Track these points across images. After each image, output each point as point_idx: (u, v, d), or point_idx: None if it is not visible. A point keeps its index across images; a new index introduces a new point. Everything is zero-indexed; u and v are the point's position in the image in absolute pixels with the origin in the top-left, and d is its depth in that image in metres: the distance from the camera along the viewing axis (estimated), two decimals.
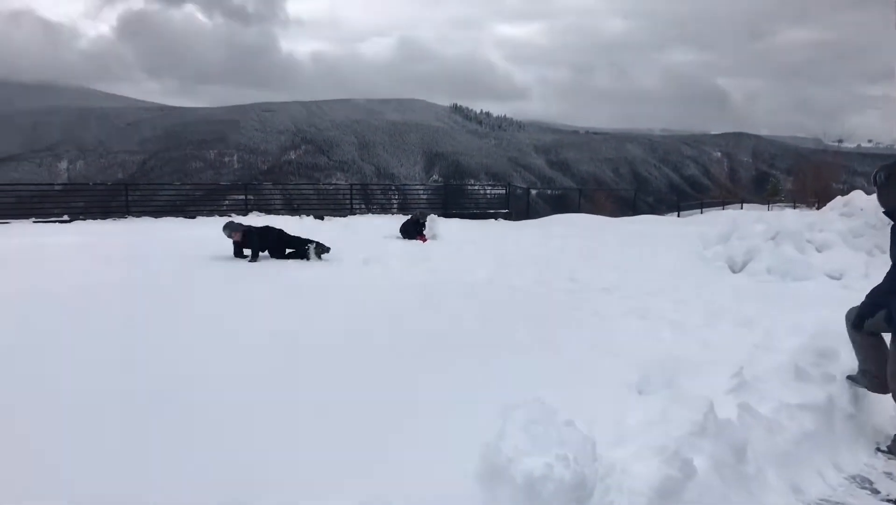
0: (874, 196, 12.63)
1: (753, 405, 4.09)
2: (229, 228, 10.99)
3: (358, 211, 23.04)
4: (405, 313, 7.23)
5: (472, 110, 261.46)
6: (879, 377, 4.45)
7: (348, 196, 24.52)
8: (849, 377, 4.64)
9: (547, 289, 8.75)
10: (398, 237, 14.75)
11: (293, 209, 21.74)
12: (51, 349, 5.49)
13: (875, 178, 4.62)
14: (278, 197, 27.77)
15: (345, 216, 20.57)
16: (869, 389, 4.53)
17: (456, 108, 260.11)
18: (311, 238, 11.40)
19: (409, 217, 15.83)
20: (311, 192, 34.42)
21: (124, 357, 5.29)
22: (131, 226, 16.54)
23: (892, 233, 4.43)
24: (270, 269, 10.13)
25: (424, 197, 30.87)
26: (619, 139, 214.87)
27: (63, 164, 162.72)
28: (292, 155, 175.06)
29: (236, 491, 3.19)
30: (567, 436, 3.04)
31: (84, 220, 17.84)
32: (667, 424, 3.62)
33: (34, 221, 17.22)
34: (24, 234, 13.95)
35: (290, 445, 3.74)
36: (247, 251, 10.92)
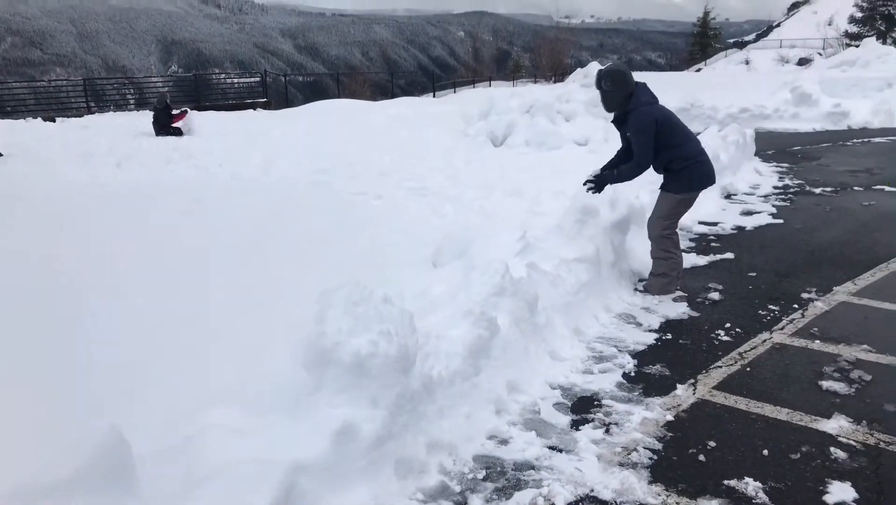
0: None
1: (538, 263, 4.52)
2: None
3: (96, 110, 20.58)
4: (185, 217, 6.76)
5: None
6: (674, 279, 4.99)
7: (75, 94, 21.72)
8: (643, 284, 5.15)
9: (328, 177, 8.66)
10: (150, 135, 13.54)
11: (6, 112, 18.91)
12: None
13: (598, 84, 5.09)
14: None
15: (80, 116, 18.26)
16: (659, 294, 4.99)
17: None
18: None
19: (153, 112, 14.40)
20: (27, 91, 29.26)
21: None
22: None
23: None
24: None
25: (166, 90, 28.20)
26: (367, 21, 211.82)
27: None
28: None
29: None
30: (386, 312, 3.14)
31: None
32: (469, 290, 3.89)
33: None
34: None
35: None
36: None
